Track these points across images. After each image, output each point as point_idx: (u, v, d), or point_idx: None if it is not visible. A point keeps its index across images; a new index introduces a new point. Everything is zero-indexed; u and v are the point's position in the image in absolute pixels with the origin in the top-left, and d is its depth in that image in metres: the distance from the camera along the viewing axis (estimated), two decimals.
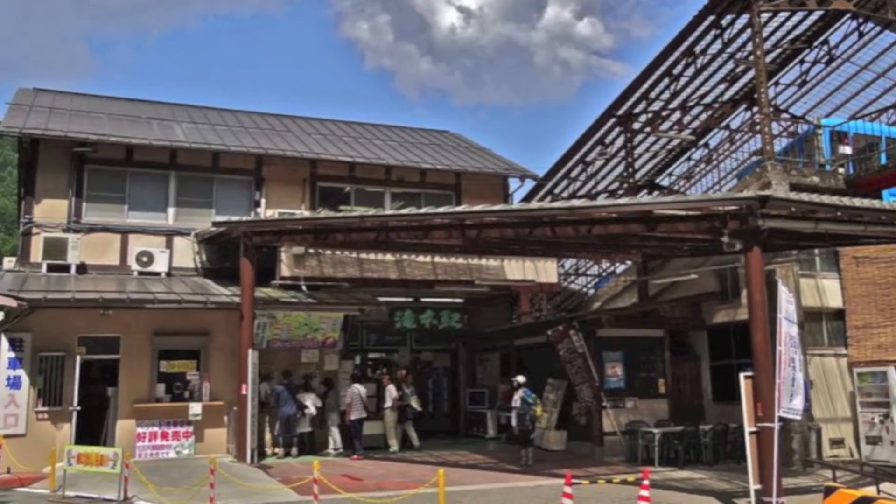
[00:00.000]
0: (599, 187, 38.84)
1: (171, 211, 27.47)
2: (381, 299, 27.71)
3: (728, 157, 37.68)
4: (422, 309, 31.32)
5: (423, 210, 21.89)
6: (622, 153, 35.97)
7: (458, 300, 31.46)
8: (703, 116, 35.53)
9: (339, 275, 27.26)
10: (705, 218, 18.13)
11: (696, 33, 29.40)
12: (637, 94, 32.68)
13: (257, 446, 23.56)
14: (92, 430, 23.68)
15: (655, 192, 38.24)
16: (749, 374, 17.26)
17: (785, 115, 34.66)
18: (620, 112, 33.69)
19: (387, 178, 30.66)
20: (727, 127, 36.89)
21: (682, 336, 28.24)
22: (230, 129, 31.44)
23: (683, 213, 18.53)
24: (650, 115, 33.69)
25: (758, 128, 30.89)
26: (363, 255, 27.40)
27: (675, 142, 36.66)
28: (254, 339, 23.80)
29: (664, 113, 33.80)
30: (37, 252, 25.37)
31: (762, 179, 25.13)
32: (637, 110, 33.64)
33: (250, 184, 28.71)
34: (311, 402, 25.66)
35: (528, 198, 37.17)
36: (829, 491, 13.79)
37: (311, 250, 26.51)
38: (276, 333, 25.49)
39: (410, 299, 30.88)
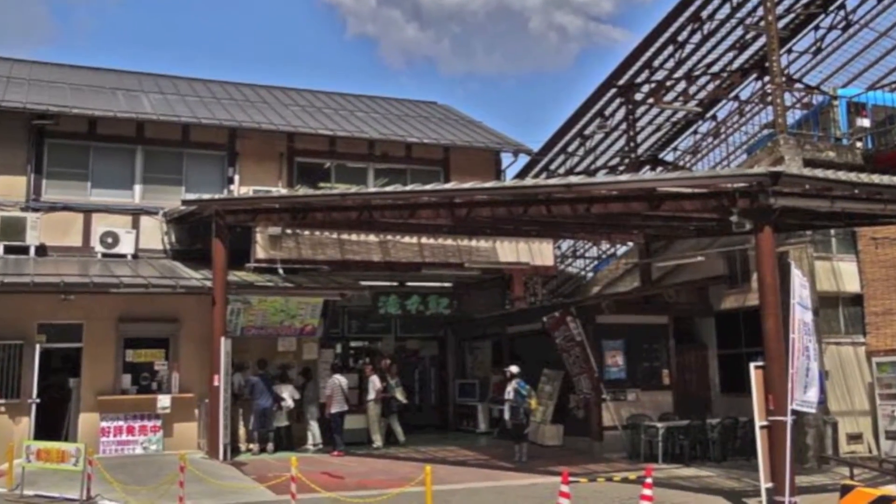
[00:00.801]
0: (599, 163, 38.83)
1: (137, 188, 27.28)
2: (364, 283, 27.58)
3: (737, 131, 37.67)
4: (407, 294, 31.22)
5: (409, 187, 21.80)
6: (623, 126, 35.94)
7: (447, 284, 31.38)
8: (711, 87, 35.52)
9: (318, 257, 27.13)
10: (713, 196, 18.07)
11: None
12: (639, 63, 32.64)
13: (230, 442, 23.46)
14: (52, 424, 23.58)
15: (659, 168, 38.23)
16: (760, 363, 17.23)
17: (798, 85, 34.64)
18: (621, 82, 33.64)
19: (370, 152, 30.50)
20: (736, 98, 36.84)
21: (687, 323, 28.23)
22: (201, 100, 31.23)
23: (689, 190, 18.47)
24: (653, 85, 33.67)
25: (769, 99, 30.86)
26: (344, 236, 27.27)
27: (680, 114, 36.63)
28: (227, 327, 23.68)
29: (668, 83, 33.78)
30: None
31: (774, 154, 25.07)
32: (639, 80, 33.61)
33: (223, 159, 28.53)
34: (288, 395, 25.58)
35: (521, 174, 37.12)
36: (846, 489, 13.75)
37: (289, 231, 26.37)
38: (251, 320, 25.38)
39: (396, 283, 30.75)
